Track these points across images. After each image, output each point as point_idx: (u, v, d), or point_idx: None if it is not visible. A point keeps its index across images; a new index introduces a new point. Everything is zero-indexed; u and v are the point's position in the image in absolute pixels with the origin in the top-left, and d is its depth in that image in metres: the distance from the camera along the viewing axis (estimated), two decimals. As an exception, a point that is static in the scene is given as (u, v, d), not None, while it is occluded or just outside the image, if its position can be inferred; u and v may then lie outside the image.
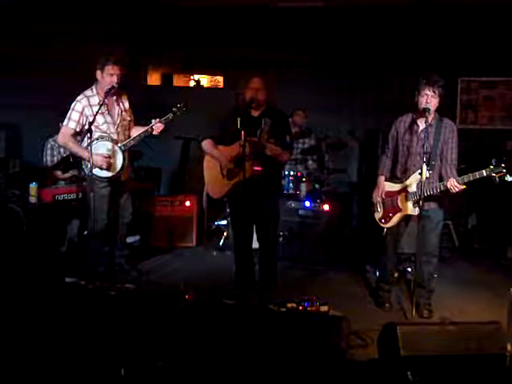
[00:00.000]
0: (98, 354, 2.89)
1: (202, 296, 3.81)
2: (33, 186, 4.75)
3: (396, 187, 4.06)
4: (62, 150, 5.46)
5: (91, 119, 4.12)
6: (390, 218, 4.08)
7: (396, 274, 4.77)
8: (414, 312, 3.87)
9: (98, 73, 4.23)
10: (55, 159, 5.41)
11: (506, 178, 3.55)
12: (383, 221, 4.14)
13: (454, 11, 6.50)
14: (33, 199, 4.73)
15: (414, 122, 3.96)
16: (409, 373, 2.68)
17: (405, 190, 3.97)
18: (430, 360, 2.75)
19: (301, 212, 5.51)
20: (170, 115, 4.40)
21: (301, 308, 3.42)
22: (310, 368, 2.89)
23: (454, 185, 3.66)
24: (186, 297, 3.63)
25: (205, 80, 7.92)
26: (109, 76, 4.20)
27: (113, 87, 4.21)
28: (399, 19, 6.73)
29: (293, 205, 5.54)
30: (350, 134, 5.84)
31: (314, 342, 3.05)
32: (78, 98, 4.27)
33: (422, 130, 3.88)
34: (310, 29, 6.96)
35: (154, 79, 7.53)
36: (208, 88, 7.87)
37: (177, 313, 3.32)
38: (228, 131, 4.10)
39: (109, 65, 4.19)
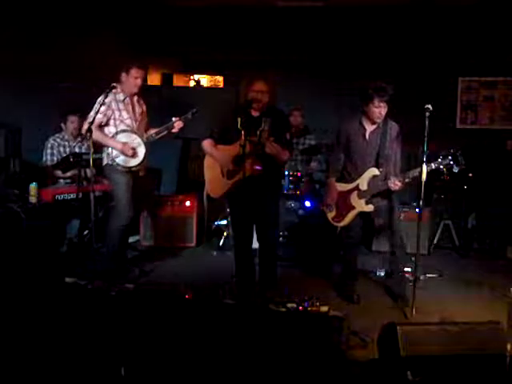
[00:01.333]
0: (98, 353, 2.89)
1: (201, 296, 3.81)
2: (33, 186, 4.75)
3: (348, 186, 4.24)
4: (61, 149, 5.47)
5: (117, 114, 4.50)
6: (344, 216, 4.25)
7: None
8: (414, 312, 3.87)
9: (123, 75, 4.54)
10: (55, 158, 5.41)
11: (453, 170, 3.82)
12: (336, 219, 4.31)
13: (454, 11, 6.51)
14: (33, 199, 4.73)
15: (361, 125, 4.17)
16: (409, 373, 2.68)
17: (357, 188, 4.18)
18: (430, 360, 2.75)
19: (301, 212, 5.51)
20: (190, 114, 4.65)
21: (301, 308, 3.42)
22: (310, 368, 2.89)
23: (395, 183, 3.96)
24: (186, 297, 3.63)
25: (205, 80, 7.92)
26: (133, 78, 4.54)
27: (113, 87, 4.41)
28: (399, 19, 6.74)
29: (293, 205, 5.54)
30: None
31: (314, 342, 3.05)
32: (106, 93, 4.43)
33: (370, 132, 4.14)
34: (310, 29, 6.97)
35: (154, 79, 7.53)
36: (208, 88, 7.87)
37: (177, 313, 3.32)
38: (228, 131, 4.10)
39: (134, 68, 4.51)
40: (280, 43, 7.05)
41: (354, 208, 4.19)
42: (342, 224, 4.29)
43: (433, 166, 3.85)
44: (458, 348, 2.79)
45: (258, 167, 3.96)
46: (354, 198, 4.19)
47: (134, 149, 4.53)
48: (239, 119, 3.99)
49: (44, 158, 5.47)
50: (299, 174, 5.80)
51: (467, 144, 6.52)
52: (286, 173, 5.66)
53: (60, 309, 3.28)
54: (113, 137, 4.51)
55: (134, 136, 4.57)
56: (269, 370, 2.85)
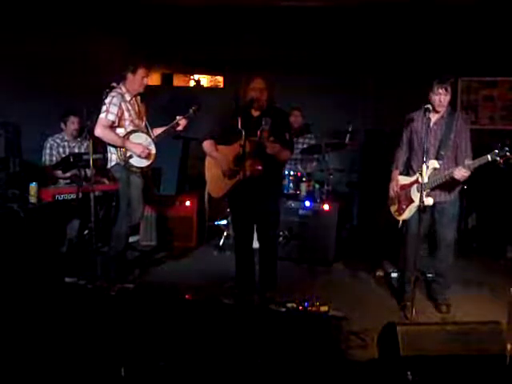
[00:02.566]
0: (98, 353, 2.89)
1: (201, 296, 3.81)
2: (33, 186, 4.74)
3: (410, 179, 4.14)
4: (61, 149, 5.47)
5: (126, 114, 4.46)
6: (404, 209, 4.14)
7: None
8: (414, 312, 3.87)
9: (130, 75, 4.52)
10: (54, 158, 5.41)
11: (511, 161, 3.62)
12: (397, 213, 4.21)
13: (454, 11, 6.50)
14: (33, 199, 4.73)
15: (426, 115, 3.95)
16: (409, 373, 2.68)
17: (417, 181, 4.04)
18: (430, 360, 2.75)
19: (301, 212, 5.51)
20: (191, 111, 4.68)
21: (301, 308, 3.42)
22: (310, 368, 2.89)
23: (461, 172, 3.74)
24: (186, 297, 3.63)
25: (205, 80, 7.92)
26: (140, 78, 4.53)
27: (113, 87, 4.41)
28: (399, 19, 6.73)
29: (293, 205, 5.53)
30: (350, 133, 5.85)
31: (314, 341, 3.05)
32: (113, 94, 4.43)
33: (434, 123, 4.00)
34: (311, 28, 6.96)
35: (154, 79, 7.54)
36: (208, 88, 7.87)
37: (177, 313, 3.32)
38: (228, 131, 4.10)
39: (141, 68, 4.52)
40: (280, 42, 7.05)
41: (413, 201, 4.06)
42: (402, 218, 4.16)
43: (489, 157, 3.64)
44: (458, 348, 2.79)
45: (258, 167, 3.96)
46: (413, 191, 4.07)
47: (148, 150, 4.52)
48: (239, 119, 3.99)
49: (43, 159, 5.47)
50: (299, 173, 5.81)
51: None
52: (286, 173, 5.67)
53: (60, 309, 3.28)
54: (124, 137, 4.46)
55: (145, 136, 4.56)
56: (269, 370, 2.85)
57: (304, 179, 5.79)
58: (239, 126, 3.96)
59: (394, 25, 6.77)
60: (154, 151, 4.58)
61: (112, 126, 4.42)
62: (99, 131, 4.37)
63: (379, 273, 5.06)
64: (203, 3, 6.82)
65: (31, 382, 2.75)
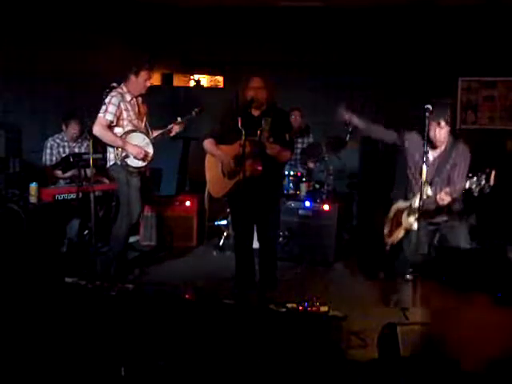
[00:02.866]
0: (98, 353, 2.89)
1: (201, 296, 3.81)
2: (33, 186, 4.75)
3: (405, 204, 4.11)
4: (61, 149, 5.47)
5: (125, 114, 4.46)
6: (393, 232, 4.13)
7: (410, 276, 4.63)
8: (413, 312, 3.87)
9: (132, 77, 4.52)
10: (54, 158, 5.42)
11: (485, 191, 3.57)
12: (388, 235, 4.20)
13: (454, 12, 6.51)
14: (33, 199, 4.73)
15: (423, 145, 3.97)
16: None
17: (410, 206, 4.02)
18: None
19: (301, 212, 5.50)
20: (193, 113, 4.67)
21: (301, 308, 3.42)
22: (310, 368, 2.89)
23: (442, 196, 3.75)
24: (186, 297, 3.63)
25: (205, 80, 7.92)
26: (143, 80, 4.53)
27: (113, 87, 4.44)
28: (399, 19, 6.74)
29: (293, 205, 5.53)
30: (350, 133, 5.85)
31: (314, 342, 3.05)
32: (113, 94, 4.45)
33: (434, 157, 4.00)
34: (311, 28, 6.97)
35: (154, 79, 7.53)
36: (208, 88, 7.87)
37: (176, 313, 3.32)
38: (229, 131, 4.10)
39: (144, 70, 4.51)
40: (280, 43, 7.05)
41: (401, 225, 4.06)
42: (389, 240, 4.16)
43: (467, 185, 3.62)
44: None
45: (258, 167, 3.96)
46: (404, 215, 4.05)
47: (145, 151, 4.50)
48: (239, 119, 3.99)
49: (43, 159, 5.47)
50: (299, 173, 5.81)
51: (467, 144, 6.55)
52: (286, 173, 5.66)
53: (60, 309, 3.28)
54: (121, 137, 4.45)
55: (143, 136, 4.55)
56: (269, 370, 2.85)
57: (304, 179, 5.79)
58: (239, 126, 3.97)
59: (395, 25, 6.78)
60: (151, 152, 4.56)
61: (110, 126, 4.42)
62: (97, 130, 4.37)
63: (379, 273, 5.05)
64: (203, 3, 6.83)
65: (31, 382, 2.75)
